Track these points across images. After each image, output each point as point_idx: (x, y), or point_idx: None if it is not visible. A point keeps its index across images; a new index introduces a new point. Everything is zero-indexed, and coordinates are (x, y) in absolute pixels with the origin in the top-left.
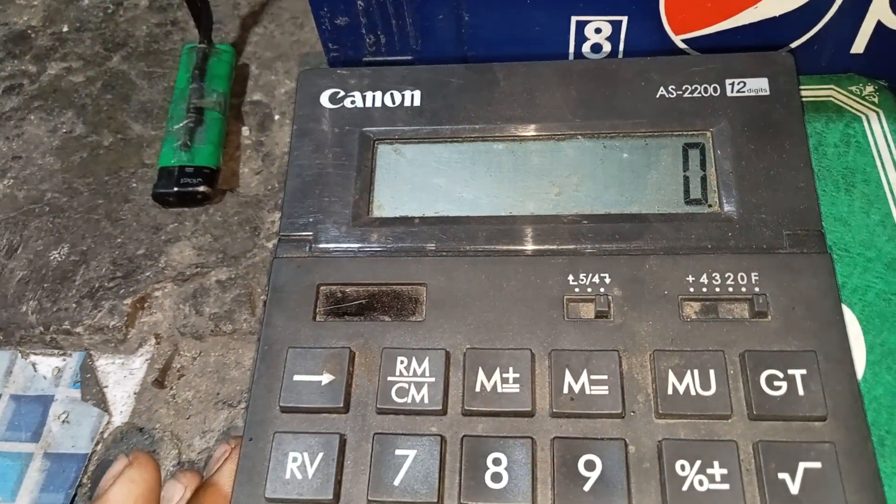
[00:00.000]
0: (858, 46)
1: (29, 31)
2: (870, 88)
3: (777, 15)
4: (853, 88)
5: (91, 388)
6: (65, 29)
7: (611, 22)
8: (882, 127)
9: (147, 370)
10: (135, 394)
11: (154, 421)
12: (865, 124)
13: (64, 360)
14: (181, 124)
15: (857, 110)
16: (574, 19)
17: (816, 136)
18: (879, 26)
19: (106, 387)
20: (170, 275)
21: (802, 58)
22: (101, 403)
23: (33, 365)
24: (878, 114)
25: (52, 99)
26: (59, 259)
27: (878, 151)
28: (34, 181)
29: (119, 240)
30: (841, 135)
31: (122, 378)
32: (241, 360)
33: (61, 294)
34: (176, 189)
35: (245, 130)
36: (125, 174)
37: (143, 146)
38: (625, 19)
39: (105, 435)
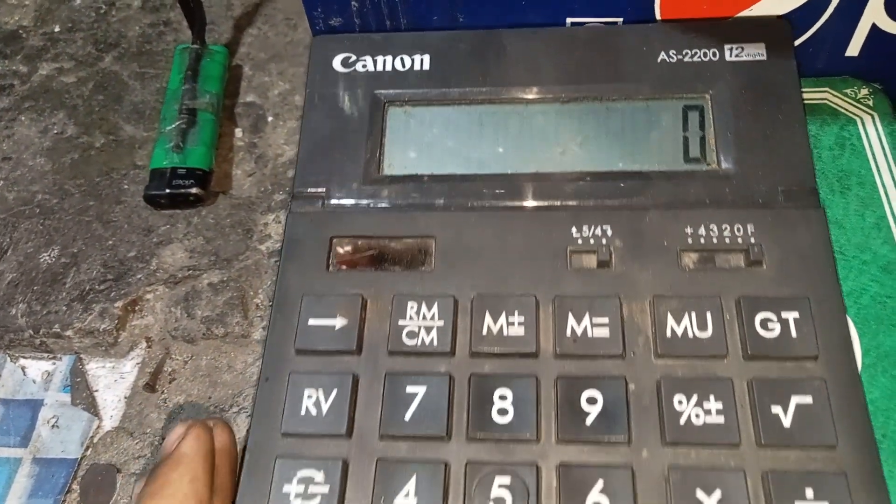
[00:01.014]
0: (854, 49)
1: (20, 31)
2: (865, 91)
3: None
4: (848, 91)
5: (81, 392)
6: (56, 29)
7: (606, 24)
8: (877, 130)
9: (138, 374)
10: (125, 398)
11: (145, 425)
12: (860, 127)
13: (54, 363)
14: (173, 125)
15: (853, 113)
16: (569, 21)
17: (811, 138)
18: (874, 29)
19: (96, 391)
20: (161, 277)
21: (798, 60)
22: (92, 408)
23: (22, 368)
24: (872, 117)
25: (44, 99)
26: (50, 261)
27: (873, 154)
28: (24, 182)
29: (110, 242)
30: (836, 137)
31: (113, 382)
32: (233, 363)
33: (51, 297)
34: (168, 191)
35: (238, 132)
36: (117, 176)
37: (135, 147)
38: (620, 21)
39: (95, 440)
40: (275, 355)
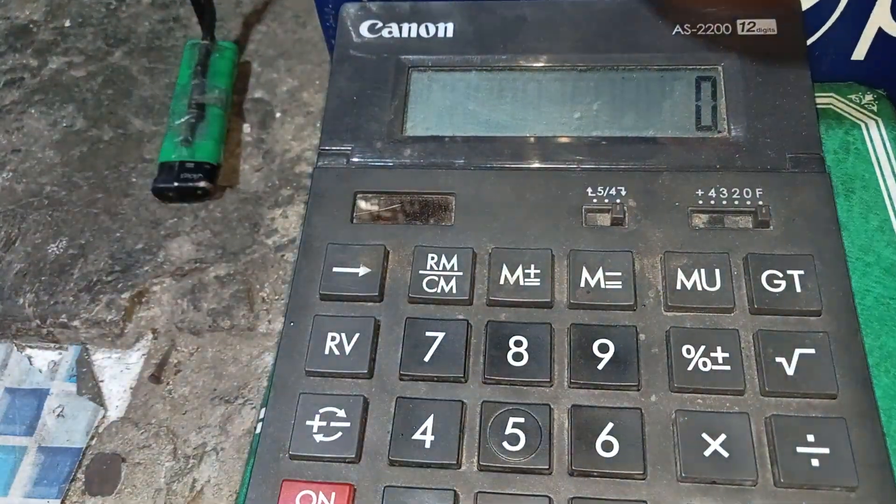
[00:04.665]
0: (859, 53)
1: (31, 26)
2: (869, 97)
3: None
4: (853, 97)
5: (87, 382)
6: (67, 24)
7: None
8: (881, 135)
9: (143, 365)
10: (131, 388)
11: (150, 416)
12: (865, 132)
13: (60, 353)
14: (182, 120)
15: (857, 118)
16: None
17: None
18: (880, 33)
19: (102, 381)
20: (168, 270)
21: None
22: (97, 398)
23: (29, 358)
24: (877, 122)
25: (53, 93)
26: (58, 252)
27: (877, 159)
28: (33, 174)
29: (118, 234)
30: (840, 142)
31: (119, 372)
32: (238, 356)
33: (59, 287)
34: (176, 184)
35: (246, 127)
36: (125, 169)
37: (144, 141)
38: None
39: (100, 429)
40: (300, 300)
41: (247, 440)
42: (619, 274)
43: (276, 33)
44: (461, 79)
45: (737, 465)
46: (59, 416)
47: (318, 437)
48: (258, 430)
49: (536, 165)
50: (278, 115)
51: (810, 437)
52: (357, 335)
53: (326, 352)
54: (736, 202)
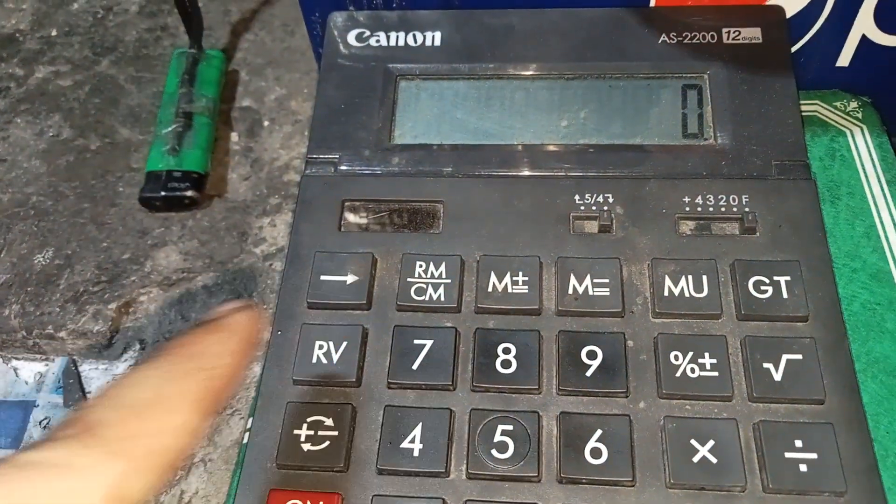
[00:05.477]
0: (843, 60)
1: (17, 35)
2: (854, 104)
3: None
4: (838, 104)
5: (74, 393)
6: (53, 33)
7: None
8: (866, 141)
9: None
10: None
11: None
12: (850, 139)
13: (46, 365)
14: (170, 129)
15: (842, 125)
16: None
17: None
18: (864, 40)
19: (89, 392)
20: (155, 280)
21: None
22: None
23: (15, 370)
24: (861, 129)
25: (40, 102)
26: (44, 263)
27: (863, 165)
28: (19, 184)
29: (104, 244)
30: (826, 149)
31: (106, 384)
32: None
33: (45, 298)
34: (163, 193)
35: (234, 136)
36: (112, 178)
37: (131, 150)
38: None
39: None
40: (287, 309)
41: (235, 451)
42: (607, 281)
43: (263, 42)
44: (449, 87)
45: (725, 471)
46: (45, 427)
47: (306, 447)
48: (245, 440)
49: (524, 173)
50: (266, 123)
51: (798, 443)
52: (345, 343)
53: (314, 360)
54: (722, 209)
